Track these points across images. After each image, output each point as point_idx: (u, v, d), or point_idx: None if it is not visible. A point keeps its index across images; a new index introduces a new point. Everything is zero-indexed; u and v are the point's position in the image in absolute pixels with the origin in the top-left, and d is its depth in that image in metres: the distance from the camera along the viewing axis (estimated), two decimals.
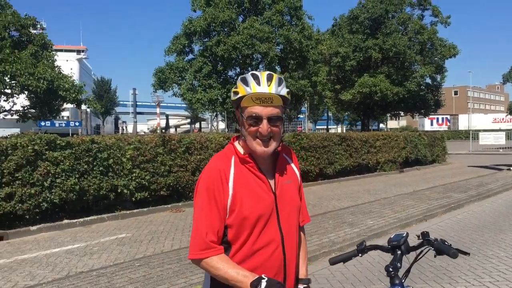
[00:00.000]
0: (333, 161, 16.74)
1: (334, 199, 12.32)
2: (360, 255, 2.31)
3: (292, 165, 2.17)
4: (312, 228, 8.11)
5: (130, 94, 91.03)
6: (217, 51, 27.14)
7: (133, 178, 10.54)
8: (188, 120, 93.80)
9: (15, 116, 26.62)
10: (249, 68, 29.44)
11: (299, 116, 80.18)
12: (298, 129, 67.58)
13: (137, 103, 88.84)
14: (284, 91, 1.94)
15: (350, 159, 17.64)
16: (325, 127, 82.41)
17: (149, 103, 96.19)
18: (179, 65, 28.41)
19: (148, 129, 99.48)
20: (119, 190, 10.26)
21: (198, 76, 27.83)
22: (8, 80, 19.94)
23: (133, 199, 10.62)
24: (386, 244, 2.25)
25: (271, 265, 1.94)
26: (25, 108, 25.84)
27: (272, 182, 2.01)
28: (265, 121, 1.87)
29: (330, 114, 74.62)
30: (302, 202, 2.22)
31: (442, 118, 75.69)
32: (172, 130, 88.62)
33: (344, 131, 62.62)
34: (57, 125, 48.66)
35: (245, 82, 1.90)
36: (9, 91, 21.79)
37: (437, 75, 38.67)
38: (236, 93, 1.93)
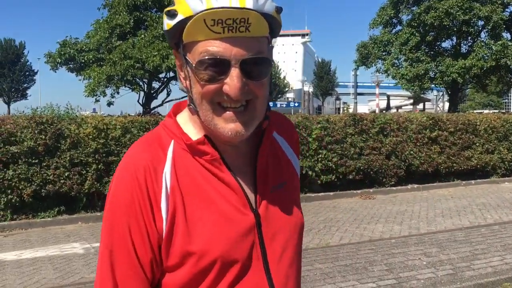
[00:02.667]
0: None
1: None
2: None
3: (288, 151, 1.18)
4: None
5: (351, 75, 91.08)
6: (426, 19, 24.00)
7: (319, 160, 9.91)
8: (411, 101, 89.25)
9: None
10: (468, 38, 25.37)
11: None
12: None
13: (358, 84, 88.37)
14: (270, 5, 0.94)
15: None
16: None
17: (369, 84, 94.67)
18: (383, 38, 26.24)
19: (369, 110, 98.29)
20: (303, 172, 9.77)
21: (404, 49, 25.20)
22: None
23: (319, 181, 10.03)
24: None
25: None
26: None
27: (250, 189, 1.03)
28: (235, 71, 0.91)
29: None
30: None
31: None
32: (393, 111, 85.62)
33: None
34: (278, 105, 52.03)
35: None
36: None
37: None
38: (172, 14, 0.93)
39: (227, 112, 0.95)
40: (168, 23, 0.95)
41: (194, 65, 0.93)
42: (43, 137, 7.70)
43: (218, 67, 0.91)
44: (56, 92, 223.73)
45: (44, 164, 7.74)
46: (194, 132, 1.04)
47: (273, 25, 0.96)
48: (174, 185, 0.98)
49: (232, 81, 0.91)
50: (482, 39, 26.07)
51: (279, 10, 0.97)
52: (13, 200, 7.53)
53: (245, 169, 1.05)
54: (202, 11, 0.88)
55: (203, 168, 1.01)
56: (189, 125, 1.06)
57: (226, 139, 0.97)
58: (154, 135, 1.06)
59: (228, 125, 0.95)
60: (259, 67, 0.94)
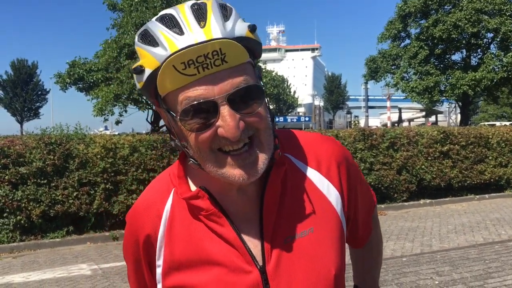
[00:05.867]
0: None
1: None
2: None
3: (322, 185, 0.98)
4: None
5: (361, 88, 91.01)
6: (434, 32, 24.04)
7: None
8: (423, 113, 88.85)
9: None
10: (478, 50, 25.14)
11: None
12: None
13: (369, 97, 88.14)
14: (241, 27, 0.83)
15: None
16: None
17: (380, 97, 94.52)
18: (392, 52, 26.23)
19: (380, 123, 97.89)
20: None
21: (413, 62, 25.13)
22: None
23: None
24: None
25: None
26: None
27: (257, 242, 0.92)
28: (225, 109, 0.80)
29: None
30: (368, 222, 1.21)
31: None
32: (405, 124, 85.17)
33: None
34: (289, 120, 51.97)
35: (148, 39, 0.83)
36: None
37: None
38: (139, 71, 0.84)
39: (231, 157, 0.84)
40: (139, 82, 0.85)
41: (179, 117, 0.83)
42: (52, 157, 7.72)
43: (205, 111, 0.81)
44: (69, 110, 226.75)
45: (53, 184, 7.76)
46: (199, 179, 0.96)
47: (251, 46, 0.85)
48: (169, 232, 0.95)
49: (225, 122, 0.80)
50: (492, 51, 25.95)
51: (253, 28, 0.85)
52: (22, 221, 7.54)
53: (252, 218, 0.93)
54: (168, 57, 0.79)
55: (202, 222, 0.93)
56: (196, 171, 0.96)
57: (237, 183, 0.86)
58: (166, 174, 1.02)
59: (236, 171, 0.84)
60: (249, 97, 0.83)
